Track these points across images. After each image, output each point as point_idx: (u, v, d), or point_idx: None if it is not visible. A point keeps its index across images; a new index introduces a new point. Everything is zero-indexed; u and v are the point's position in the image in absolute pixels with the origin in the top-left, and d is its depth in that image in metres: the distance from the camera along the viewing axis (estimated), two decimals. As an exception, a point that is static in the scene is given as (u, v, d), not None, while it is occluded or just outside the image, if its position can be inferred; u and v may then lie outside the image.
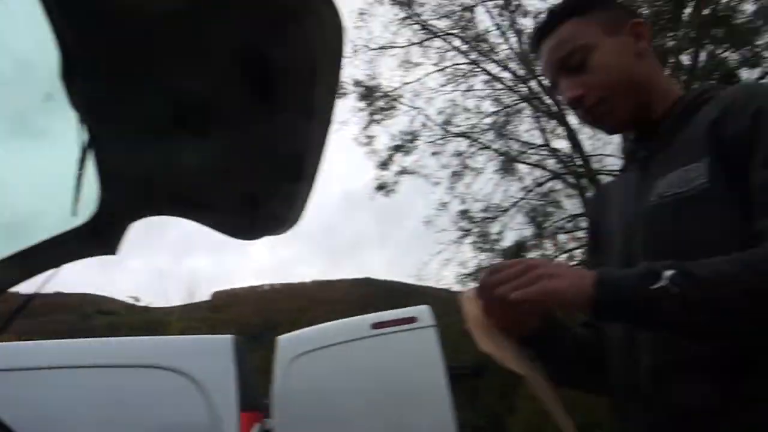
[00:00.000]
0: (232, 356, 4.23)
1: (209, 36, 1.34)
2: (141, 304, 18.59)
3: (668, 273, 1.09)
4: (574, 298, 1.14)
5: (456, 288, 15.31)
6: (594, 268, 1.55)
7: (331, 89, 1.47)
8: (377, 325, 5.02)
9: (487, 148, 15.03)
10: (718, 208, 1.22)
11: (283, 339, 5.06)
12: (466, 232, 15.30)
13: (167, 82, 1.50)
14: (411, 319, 5.00)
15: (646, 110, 1.43)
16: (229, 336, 4.57)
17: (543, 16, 1.54)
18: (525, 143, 15.15)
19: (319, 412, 4.72)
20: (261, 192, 1.93)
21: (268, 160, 1.78)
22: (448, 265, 15.42)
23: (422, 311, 5.12)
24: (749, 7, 12.95)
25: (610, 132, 1.52)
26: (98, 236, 2.06)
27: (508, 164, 14.66)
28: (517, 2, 14.54)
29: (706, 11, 12.76)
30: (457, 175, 15.39)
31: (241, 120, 1.62)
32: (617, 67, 1.40)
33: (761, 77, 13.39)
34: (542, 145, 15.03)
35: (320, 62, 1.37)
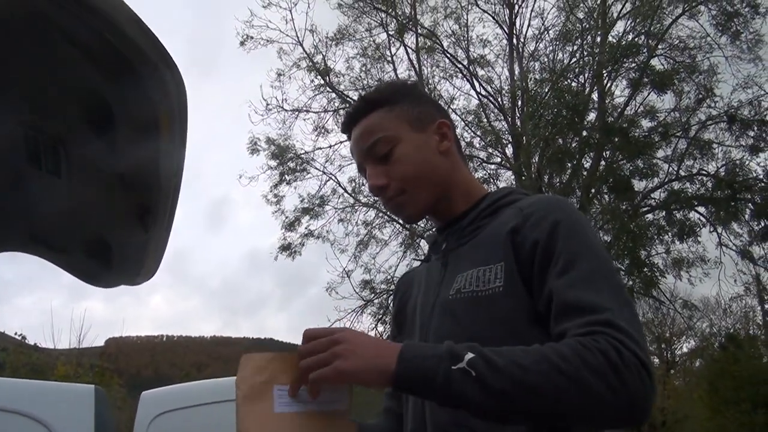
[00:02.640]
0: (93, 407, 4.08)
1: (58, 79, 1.36)
2: (29, 342, 17.63)
3: (469, 356, 1.12)
4: (372, 378, 1.15)
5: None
6: None
7: (178, 141, 1.51)
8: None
9: (393, 221, 15.22)
10: (509, 310, 1.29)
11: (146, 395, 4.87)
12: (368, 303, 15.29)
13: (19, 118, 1.52)
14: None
15: (447, 204, 1.51)
16: (91, 386, 4.42)
17: (355, 102, 1.60)
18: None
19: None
20: (113, 239, 1.93)
21: (118, 207, 1.79)
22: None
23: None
24: (647, 123, 13.87)
25: (409, 221, 1.59)
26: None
27: (412, 239, 14.85)
28: (430, 86, 15.04)
29: (609, 119, 13.56)
30: (362, 245, 15.50)
31: (91, 164, 1.64)
32: (419, 162, 1.46)
33: (656, 188, 14.24)
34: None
35: (163, 114, 1.42)
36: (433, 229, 1.62)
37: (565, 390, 1.09)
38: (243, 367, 1.22)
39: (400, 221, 14.90)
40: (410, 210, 1.50)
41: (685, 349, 26.95)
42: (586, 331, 1.15)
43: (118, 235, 1.88)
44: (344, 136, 1.66)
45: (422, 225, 15.11)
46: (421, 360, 1.15)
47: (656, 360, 28.08)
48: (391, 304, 1.74)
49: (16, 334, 18.08)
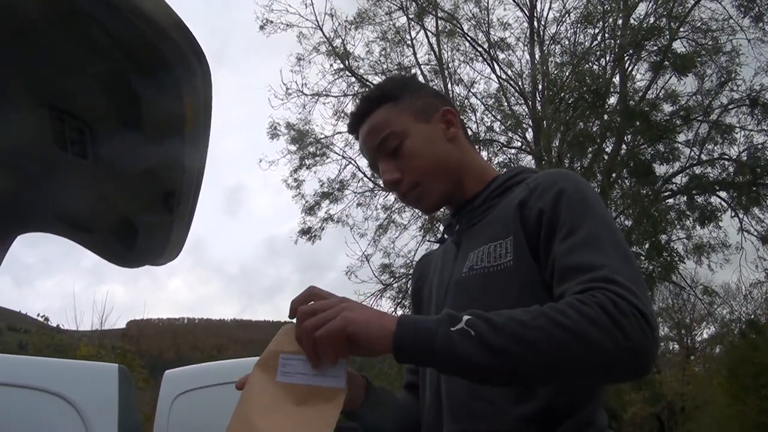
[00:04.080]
0: (116, 386, 4.16)
1: (87, 66, 1.40)
2: (51, 324, 17.85)
3: (467, 317, 1.12)
4: (374, 334, 1.13)
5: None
6: None
7: (203, 130, 1.54)
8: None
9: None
10: (520, 283, 1.31)
11: (169, 374, 4.95)
12: (387, 287, 15.37)
13: (49, 102, 1.56)
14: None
15: (460, 190, 1.53)
16: (115, 365, 4.50)
17: (358, 103, 1.61)
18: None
19: (199, 450, 4.64)
20: (137, 220, 1.97)
21: (143, 190, 1.83)
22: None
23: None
24: (668, 107, 13.75)
25: (427, 212, 1.62)
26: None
27: (431, 223, 14.88)
28: (450, 69, 15.01)
29: (631, 103, 13.45)
30: (382, 229, 15.55)
31: (117, 150, 1.68)
32: (429, 153, 1.49)
33: (677, 172, 14.15)
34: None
35: (190, 106, 1.45)
36: (448, 213, 1.64)
37: (565, 343, 1.09)
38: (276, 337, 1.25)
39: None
40: (427, 201, 1.53)
41: (705, 336, 26.85)
42: (583, 288, 1.16)
43: (142, 217, 1.92)
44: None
45: (441, 209, 15.14)
46: (420, 323, 1.15)
47: (676, 346, 28.03)
48: (410, 287, 1.77)
49: (38, 315, 18.30)
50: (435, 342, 1.11)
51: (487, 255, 1.39)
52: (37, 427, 4.02)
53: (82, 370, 4.72)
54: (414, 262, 14.81)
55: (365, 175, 15.41)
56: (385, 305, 15.50)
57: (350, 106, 15.20)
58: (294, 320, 1.22)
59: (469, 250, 1.45)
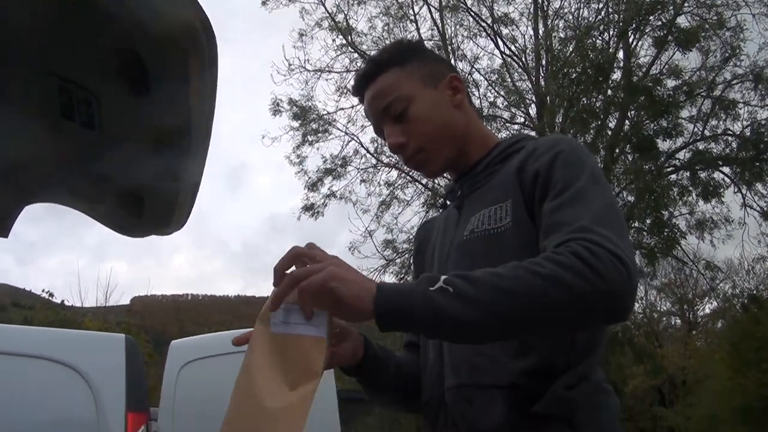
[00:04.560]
0: (123, 355, 4.23)
1: (92, 32, 1.42)
2: (56, 300, 17.91)
3: (444, 277, 1.14)
4: (355, 293, 1.14)
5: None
6: None
7: (207, 100, 1.57)
8: None
9: (416, 181, 15.26)
10: (519, 245, 1.32)
11: (175, 344, 5.02)
12: (390, 262, 15.42)
13: (56, 72, 1.59)
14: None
15: (464, 156, 1.55)
16: (122, 335, 4.57)
17: (365, 64, 1.63)
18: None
19: (206, 419, 4.71)
20: (145, 189, 2.00)
21: (150, 158, 1.86)
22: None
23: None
24: (671, 82, 13.68)
25: (430, 176, 1.64)
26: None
27: (434, 199, 14.89)
28: (453, 45, 14.93)
29: (634, 78, 13.39)
30: (385, 205, 15.58)
31: (123, 116, 1.70)
32: (435, 118, 1.50)
33: (680, 148, 14.13)
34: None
35: (196, 79, 1.48)
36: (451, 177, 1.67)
37: (541, 288, 1.11)
38: None
39: (422, 182, 14.97)
40: (432, 167, 1.56)
41: (707, 311, 26.90)
42: (562, 240, 1.19)
43: (149, 186, 1.94)
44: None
45: (442, 182, 15.16)
46: (400, 286, 1.16)
47: (678, 321, 28.12)
48: (412, 252, 1.80)
49: (43, 291, 18.33)
50: (415, 302, 1.13)
51: (487, 218, 1.41)
52: (46, 395, 4.08)
53: (90, 340, 4.79)
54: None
55: (368, 152, 15.42)
56: (388, 280, 15.49)
57: (353, 83, 15.13)
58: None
59: (470, 215, 1.47)
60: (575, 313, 1.15)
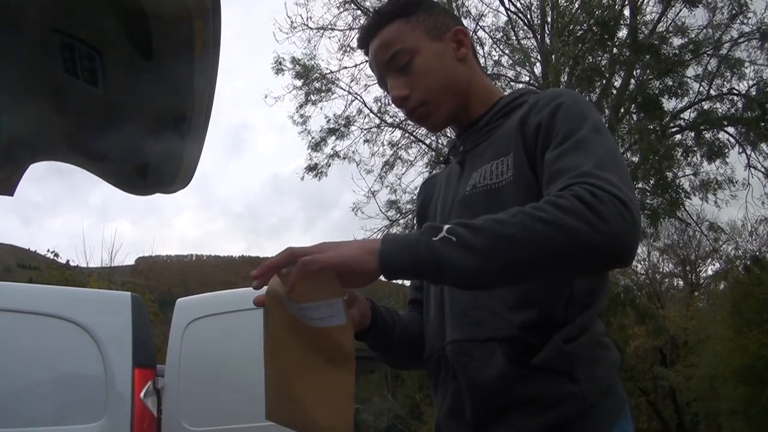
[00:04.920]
0: (129, 313, 4.28)
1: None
2: (61, 260, 17.93)
3: (446, 227, 1.15)
4: (363, 258, 1.16)
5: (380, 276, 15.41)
6: None
7: (212, 53, 1.56)
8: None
9: (419, 141, 15.20)
10: (521, 198, 1.30)
11: (181, 302, 5.08)
12: (393, 222, 15.44)
13: (59, 29, 1.58)
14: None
15: (466, 110, 1.55)
16: (128, 293, 4.61)
17: (370, 15, 1.61)
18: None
19: (210, 374, 4.79)
20: (149, 146, 2.00)
21: (154, 115, 1.86)
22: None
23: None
24: (677, 41, 13.51)
25: (432, 129, 1.63)
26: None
27: (438, 159, 14.84)
28: (458, 2, 14.72)
29: (640, 36, 13.22)
30: (388, 165, 15.54)
31: (126, 73, 1.70)
32: (439, 71, 1.50)
33: (685, 108, 14.02)
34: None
35: (199, 30, 1.47)
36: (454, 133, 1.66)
37: (544, 232, 1.11)
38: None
39: (426, 142, 14.92)
40: (434, 120, 1.55)
41: (709, 272, 26.94)
42: (563, 185, 1.19)
43: (153, 143, 1.94)
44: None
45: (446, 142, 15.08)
46: (403, 238, 1.18)
47: (680, 282, 28.19)
48: (415, 208, 1.80)
49: (48, 251, 18.37)
50: (419, 253, 1.14)
51: (489, 173, 1.42)
52: (54, 352, 4.15)
53: (97, 298, 4.85)
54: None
55: (371, 111, 15.32)
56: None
57: (356, 41, 14.95)
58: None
59: (472, 170, 1.48)
60: (578, 257, 1.15)
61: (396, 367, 1.71)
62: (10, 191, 2.22)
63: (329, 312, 1.22)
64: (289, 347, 1.25)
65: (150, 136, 1.94)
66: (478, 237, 1.13)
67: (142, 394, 4.10)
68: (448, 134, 1.61)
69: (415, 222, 1.78)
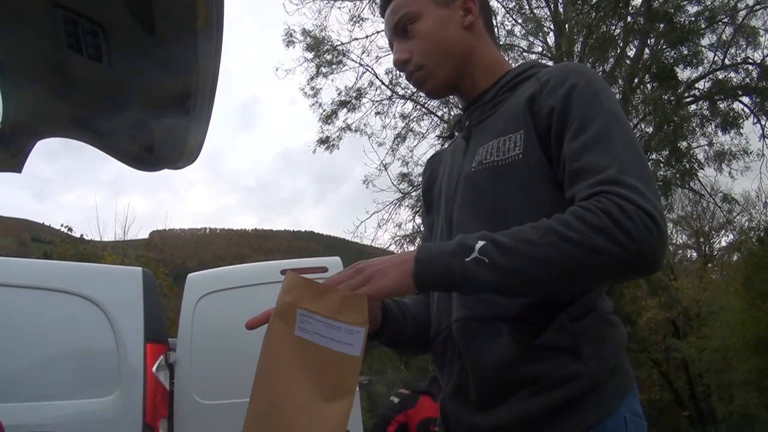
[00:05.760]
0: (141, 288, 4.30)
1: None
2: (75, 234, 18.05)
3: (479, 245, 1.19)
4: (401, 286, 1.23)
5: (392, 248, 15.49)
6: (426, 228, 1.71)
7: (216, 27, 1.54)
8: (287, 272, 5.00)
9: (431, 113, 15.13)
10: (528, 176, 1.33)
11: (192, 277, 5.09)
12: (405, 195, 15.43)
13: (62, 4, 1.56)
14: (322, 269, 5.02)
15: (469, 80, 1.54)
16: (139, 268, 4.63)
17: None
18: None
19: (222, 349, 4.81)
20: (155, 123, 1.99)
21: (159, 91, 1.84)
22: (384, 226, 15.56)
23: (334, 262, 5.17)
24: (692, 8, 13.30)
25: (430, 95, 1.63)
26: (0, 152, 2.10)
27: (450, 131, 14.74)
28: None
29: (655, 3, 13.02)
30: (400, 138, 15.49)
31: (130, 49, 1.68)
32: (438, 36, 1.50)
33: (700, 77, 13.84)
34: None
35: (201, 3, 1.45)
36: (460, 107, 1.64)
37: (574, 255, 1.15)
38: (283, 284, 1.26)
39: (438, 114, 14.84)
40: (430, 85, 1.54)
41: (723, 244, 26.83)
42: (591, 192, 1.20)
43: (159, 119, 1.94)
44: (381, 26, 1.67)
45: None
46: (435, 258, 1.22)
47: (694, 254, 28.11)
48: (421, 185, 1.79)
49: (62, 225, 18.48)
50: (453, 276, 1.20)
51: (496, 149, 1.40)
52: (66, 328, 4.18)
53: (108, 273, 4.87)
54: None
55: (383, 83, 15.25)
56: (404, 214, 15.58)
57: (366, 11, 14.87)
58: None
59: (478, 145, 1.46)
60: (608, 273, 1.21)
61: (410, 356, 1.70)
62: (17, 168, 2.22)
63: (348, 339, 1.21)
64: (287, 369, 1.20)
65: (155, 112, 1.93)
66: (509, 258, 1.17)
67: (154, 369, 4.13)
68: (460, 106, 1.61)
69: (421, 190, 1.76)
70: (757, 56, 13.64)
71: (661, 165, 13.02)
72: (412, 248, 15.38)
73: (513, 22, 14.91)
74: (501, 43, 13.92)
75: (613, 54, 13.47)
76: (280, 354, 1.20)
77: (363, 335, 1.21)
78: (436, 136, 15.23)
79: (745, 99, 13.82)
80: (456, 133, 1.67)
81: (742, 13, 13.48)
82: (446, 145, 1.83)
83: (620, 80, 13.36)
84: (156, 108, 1.90)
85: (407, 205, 15.42)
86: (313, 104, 15.26)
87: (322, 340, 1.20)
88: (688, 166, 13.03)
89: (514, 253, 1.17)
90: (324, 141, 15.38)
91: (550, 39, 14.52)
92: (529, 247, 1.17)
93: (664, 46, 13.49)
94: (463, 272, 1.19)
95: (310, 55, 14.97)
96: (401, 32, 1.53)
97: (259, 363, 1.21)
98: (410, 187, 15.38)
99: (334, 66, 15.10)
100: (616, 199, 1.16)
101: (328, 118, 15.24)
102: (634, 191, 1.17)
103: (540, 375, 1.28)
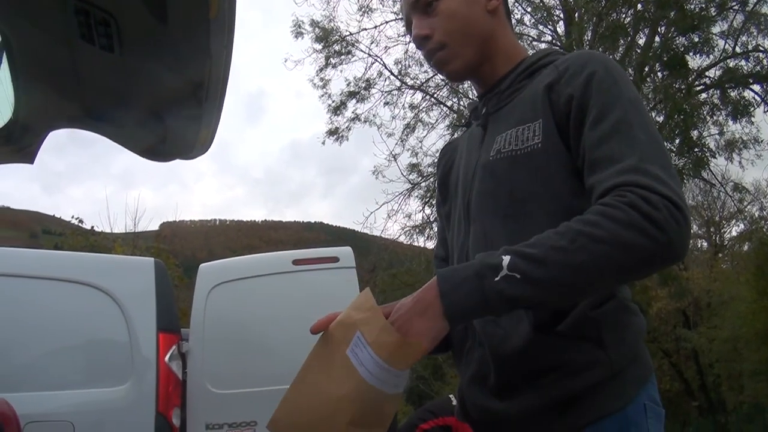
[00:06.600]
0: (153, 278, 4.32)
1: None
2: (85, 226, 18.13)
3: (506, 261, 1.15)
4: (443, 328, 1.18)
5: (402, 239, 15.51)
6: (442, 218, 1.69)
7: (228, 16, 1.54)
8: (299, 262, 5.05)
9: (440, 104, 15.08)
10: (547, 165, 1.32)
11: (204, 267, 5.11)
12: (415, 186, 15.41)
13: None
14: (333, 259, 5.05)
15: (489, 65, 1.52)
16: (151, 258, 4.66)
17: None
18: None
19: (234, 339, 4.84)
20: (167, 112, 1.99)
21: (171, 81, 1.84)
22: (394, 216, 15.56)
23: (345, 252, 5.18)
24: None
25: (451, 78, 1.60)
26: (12, 144, 2.11)
27: (460, 121, 14.73)
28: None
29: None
30: (409, 128, 15.45)
31: (142, 39, 1.68)
32: (464, 16, 1.47)
33: (711, 65, 13.73)
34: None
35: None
36: (475, 98, 1.63)
37: (607, 254, 1.12)
38: (357, 298, 1.27)
39: (447, 104, 14.79)
40: (453, 65, 1.51)
41: (734, 233, 26.67)
42: (612, 184, 1.19)
43: (172, 109, 1.93)
44: (389, 16, 1.65)
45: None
46: (463, 287, 1.17)
47: (704, 243, 27.95)
48: (436, 175, 1.78)
49: (73, 217, 18.55)
50: (486, 299, 1.15)
51: (514, 138, 1.39)
52: (79, 318, 4.21)
53: (120, 264, 4.89)
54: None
55: (392, 74, 15.21)
56: (413, 204, 15.55)
57: (375, 2, 14.82)
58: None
59: (496, 134, 1.45)
60: (641, 267, 1.17)
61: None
62: (30, 159, 2.23)
63: (395, 381, 1.22)
64: (330, 379, 1.21)
65: (168, 102, 1.93)
66: (542, 270, 1.13)
67: (166, 358, 4.15)
68: (470, 96, 1.61)
69: (436, 187, 1.75)
70: (768, 44, 13.54)
71: (673, 154, 12.94)
72: (421, 239, 15.24)
73: (522, 10, 14.84)
74: (510, 32, 13.83)
75: (623, 42, 13.36)
76: (331, 363, 1.22)
77: (407, 375, 1.22)
78: (446, 126, 15.21)
79: (756, 87, 13.72)
80: (472, 122, 1.65)
81: (753, 0, 13.35)
82: (458, 133, 1.82)
83: (630, 69, 13.27)
84: (169, 98, 1.90)
85: (417, 196, 15.42)
86: (322, 95, 15.25)
87: (366, 374, 1.19)
88: (700, 155, 12.94)
89: (546, 263, 1.13)
90: (333, 132, 15.37)
91: (560, 27, 14.46)
92: (560, 255, 1.13)
93: (674, 34, 13.39)
94: (495, 294, 1.14)
95: (319, 46, 14.96)
96: (423, 8, 1.49)
97: (307, 359, 1.23)
98: (420, 178, 15.37)
99: (342, 56, 15.08)
100: (641, 191, 1.15)
101: (337, 109, 15.23)
102: (657, 180, 1.16)
103: (561, 363, 1.28)
